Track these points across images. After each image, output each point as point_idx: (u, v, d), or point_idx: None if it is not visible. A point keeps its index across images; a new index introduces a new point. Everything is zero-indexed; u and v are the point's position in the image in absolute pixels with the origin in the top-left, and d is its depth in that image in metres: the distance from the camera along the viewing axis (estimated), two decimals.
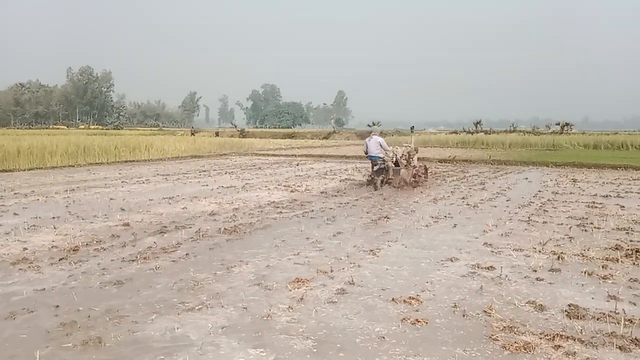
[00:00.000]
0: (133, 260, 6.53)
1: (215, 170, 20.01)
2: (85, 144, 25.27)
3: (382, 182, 14.20)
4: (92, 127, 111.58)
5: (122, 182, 15.53)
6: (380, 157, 14.33)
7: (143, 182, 15.40)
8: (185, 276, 5.84)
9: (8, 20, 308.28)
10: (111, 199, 11.96)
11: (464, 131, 58.46)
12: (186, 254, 6.83)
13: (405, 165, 14.70)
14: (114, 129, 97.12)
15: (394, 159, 14.50)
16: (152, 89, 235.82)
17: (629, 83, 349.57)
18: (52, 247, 7.27)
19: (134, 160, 24.86)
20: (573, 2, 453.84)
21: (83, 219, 9.39)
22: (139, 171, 19.33)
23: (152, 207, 10.71)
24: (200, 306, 4.88)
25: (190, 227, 8.60)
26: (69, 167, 21.11)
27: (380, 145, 14.31)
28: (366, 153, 14.82)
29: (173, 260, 6.53)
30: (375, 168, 14.50)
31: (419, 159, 16.64)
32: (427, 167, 16.92)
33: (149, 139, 32.33)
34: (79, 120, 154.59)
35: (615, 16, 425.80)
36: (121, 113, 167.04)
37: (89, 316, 4.64)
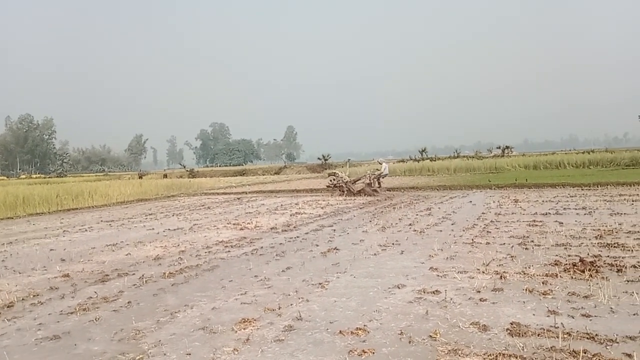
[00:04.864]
0: (72, 313, 6.24)
1: (162, 212, 19.56)
2: (24, 194, 24.26)
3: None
4: (34, 176, 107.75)
5: (64, 231, 14.93)
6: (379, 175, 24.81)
7: (86, 230, 14.86)
8: (127, 326, 5.62)
9: None
10: (51, 249, 11.46)
11: (411, 159, 60.00)
12: (128, 302, 6.58)
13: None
14: (57, 176, 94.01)
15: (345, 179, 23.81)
16: (96, 134, 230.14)
17: (565, 105, 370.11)
18: None
19: (77, 208, 23.99)
20: (515, 27, 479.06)
21: (20, 273, 8.94)
22: (82, 219, 18.66)
23: (94, 256, 10.32)
24: (141, 356, 4.69)
25: (134, 274, 8.32)
26: (7, 219, 20.16)
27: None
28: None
29: (114, 310, 6.28)
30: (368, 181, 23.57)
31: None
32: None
33: (92, 185, 31.37)
34: (20, 169, 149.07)
35: (550, 43, 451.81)
36: (64, 160, 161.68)
37: None
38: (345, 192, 23.00)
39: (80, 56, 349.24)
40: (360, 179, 24.12)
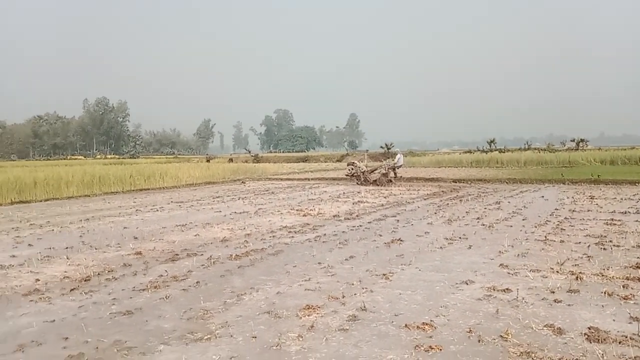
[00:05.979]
0: (144, 290, 6.49)
1: (228, 196, 20.05)
2: (100, 174, 25.53)
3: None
4: (109, 156, 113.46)
5: (137, 210, 15.60)
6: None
7: (157, 210, 15.45)
8: (195, 305, 5.78)
9: (24, 54, 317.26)
10: (125, 227, 12.00)
11: (478, 150, 58.28)
12: (197, 282, 6.77)
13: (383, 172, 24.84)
14: (130, 158, 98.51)
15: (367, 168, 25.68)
16: (167, 117, 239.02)
17: None
18: (64, 277, 7.27)
19: (148, 189, 25.05)
20: (590, 23, 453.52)
21: (96, 249, 9.41)
22: (154, 199, 19.44)
23: (165, 235, 10.71)
24: (209, 336, 4.80)
25: (202, 255, 8.56)
26: (85, 197, 21.32)
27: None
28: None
29: (183, 289, 6.48)
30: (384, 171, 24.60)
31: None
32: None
33: (163, 167, 32.60)
34: (96, 150, 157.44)
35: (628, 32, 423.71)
36: (137, 142, 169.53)
37: (97, 348, 4.59)
38: (362, 181, 24.49)
39: (156, 47, 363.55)
40: (376, 169, 25.08)
